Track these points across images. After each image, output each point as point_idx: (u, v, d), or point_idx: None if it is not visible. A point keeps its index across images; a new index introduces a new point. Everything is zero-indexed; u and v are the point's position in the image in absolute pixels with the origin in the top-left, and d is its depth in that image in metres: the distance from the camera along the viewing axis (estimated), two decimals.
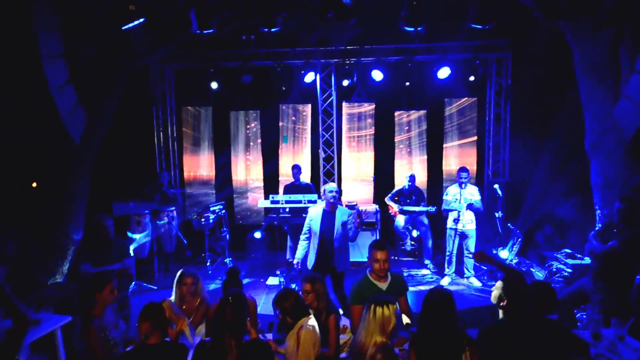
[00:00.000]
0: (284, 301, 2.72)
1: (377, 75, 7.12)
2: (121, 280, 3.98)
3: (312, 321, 2.77)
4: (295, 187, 6.61)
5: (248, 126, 8.07)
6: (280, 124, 7.99)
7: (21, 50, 4.27)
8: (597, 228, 4.42)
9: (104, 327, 2.72)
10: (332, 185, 4.40)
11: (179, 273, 3.42)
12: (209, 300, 3.46)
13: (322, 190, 4.47)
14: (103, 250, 4.10)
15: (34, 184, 6.97)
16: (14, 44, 4.26)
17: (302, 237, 4.51)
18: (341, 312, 3.87)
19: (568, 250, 5.43)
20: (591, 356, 2.93)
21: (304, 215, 6.13)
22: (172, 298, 3.33)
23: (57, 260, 4.84)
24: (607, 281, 3.82)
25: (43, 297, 4.10)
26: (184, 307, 3.31)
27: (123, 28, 4.56)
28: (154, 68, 7.61)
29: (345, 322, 3.61)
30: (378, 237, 6.26)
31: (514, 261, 6.03)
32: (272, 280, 6.12)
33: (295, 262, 4.52)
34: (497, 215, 6.06)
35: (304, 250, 4.48)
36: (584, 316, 3.29)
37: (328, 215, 4.34)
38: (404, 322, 3.00)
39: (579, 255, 5.24)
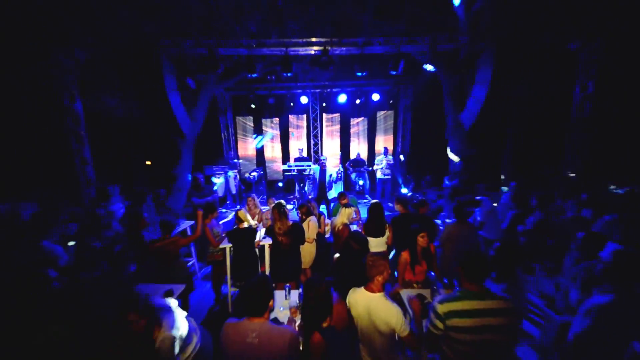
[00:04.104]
0: (302, 207, 5.41)
1: (342, 98, 13.04)
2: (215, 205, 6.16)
3: (315, 218, 5.45)
4: (300, 159, 12.51)
5: (272, 126, 14.12)
6: (289, 125, 13.95)
7: (152, 88, 8.98)
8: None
9: (213, 231, 5.39)
10: (324, 157, 10.41)
11: (248, 197, 6.63)
12: (262, 211, 6.60)
13: (320, 159, 10.33)
14: (201, 191, 8.84)
15: (148, 162, 12.93)
16: (149, 83, 8.98)
17: (310, 182, 10.50)
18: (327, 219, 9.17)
19: (436, 188, 11.68)
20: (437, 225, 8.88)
21: (305, 173, 12.28)
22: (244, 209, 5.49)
23: (179, 198, 10.32)
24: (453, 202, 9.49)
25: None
26: (250, 214, 6.27)
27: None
28: (219, 95, 13.64)
29: (328, 221, 6.82)
30: (342, 186, 12.39)
31: (409, 194, 12.27)
32: (289, 206, 12.20)
33: (310, 196, 10.48)
34: (401, 170, 12.33)
35: (312, 189, 10.40)
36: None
37: (322, 172, 10.25)
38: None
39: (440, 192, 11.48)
